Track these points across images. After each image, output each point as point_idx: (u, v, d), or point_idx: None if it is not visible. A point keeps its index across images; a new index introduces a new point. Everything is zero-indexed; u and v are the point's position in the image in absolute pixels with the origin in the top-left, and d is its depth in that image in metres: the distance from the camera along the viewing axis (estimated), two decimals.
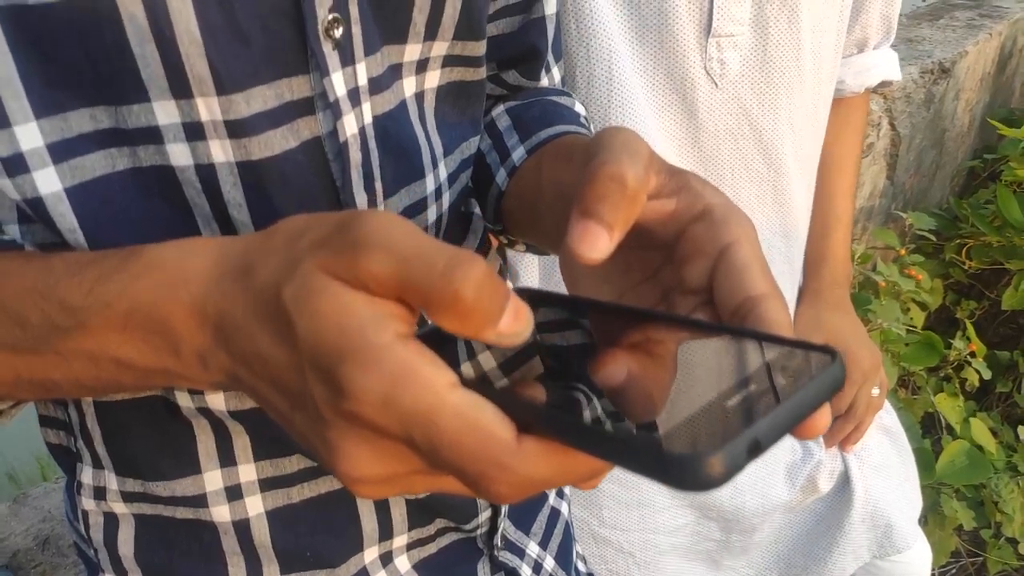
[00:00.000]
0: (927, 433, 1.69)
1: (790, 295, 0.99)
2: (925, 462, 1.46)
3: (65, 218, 0.41)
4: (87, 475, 0.51)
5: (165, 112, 0.40)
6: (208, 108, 0.40)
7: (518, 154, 0.57)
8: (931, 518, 1.45)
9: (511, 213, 0.57)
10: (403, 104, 0.50)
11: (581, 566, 0.71)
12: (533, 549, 0.64)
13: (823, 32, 0.83)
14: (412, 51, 0.49)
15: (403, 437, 0.29)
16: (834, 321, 0.99)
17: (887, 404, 1.06)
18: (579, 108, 0.62)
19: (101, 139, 0.41)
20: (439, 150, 0.53)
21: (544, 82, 0.64)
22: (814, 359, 0.30)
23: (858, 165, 1.06)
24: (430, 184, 0.53)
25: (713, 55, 0.76)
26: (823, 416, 0.29)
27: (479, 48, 0.54)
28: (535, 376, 0.34)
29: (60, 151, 0.40)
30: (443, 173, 0.54)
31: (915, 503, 1.05)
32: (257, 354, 0.32)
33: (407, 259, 0.29)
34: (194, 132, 0.41)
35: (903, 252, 1.71)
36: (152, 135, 0.41)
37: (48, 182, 0.40)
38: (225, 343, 0.34)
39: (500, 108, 0.61)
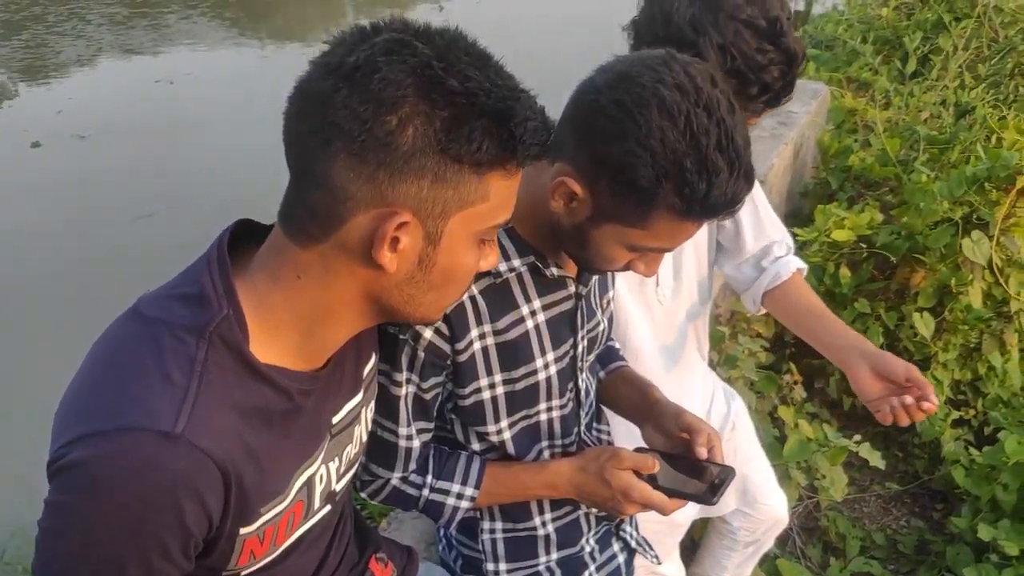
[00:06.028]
0: (776, 429, 2.71)
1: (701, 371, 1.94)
2: (776, 449, 2.47)
3: (507, 444, 1.30)
4: (486, 525, 1.39)
5: (544, 407, 1.30)
6: (557, 402, 1.30)
7: (601, 374, 1.51)
8: (783, 481, 2.47)
9: (601, 399, 1.50)
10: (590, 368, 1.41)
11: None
12: (628, 529, 1.55)
13: (698, 285, 1.81)
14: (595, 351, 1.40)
15: (642, 505, 1.24)
16: None
17: (746, 419, 2.03)
18: (618, 345, 1.57)
19: (522, 419, 1.30)
20: (591, 379, 1.45)
21: None
22: (728, 470, 1.26)
23: None
24: (592, 394, 1.44)
25: (660, 294, 1.71)
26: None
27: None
28: (661, 476, 1.27)
29: (510, 427, 1.30)
30: (593, 387, 1.45)
31: (767, 472, 2.03)
32: (595, 490, 1.27)
33: (634, 463, 1.24)
34: (548, 411, 1.30)
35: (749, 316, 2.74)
36: (537, 413, 1.30)
37: (506, 435, 1.30)
38: (579, 490, 1.28)
39: None
